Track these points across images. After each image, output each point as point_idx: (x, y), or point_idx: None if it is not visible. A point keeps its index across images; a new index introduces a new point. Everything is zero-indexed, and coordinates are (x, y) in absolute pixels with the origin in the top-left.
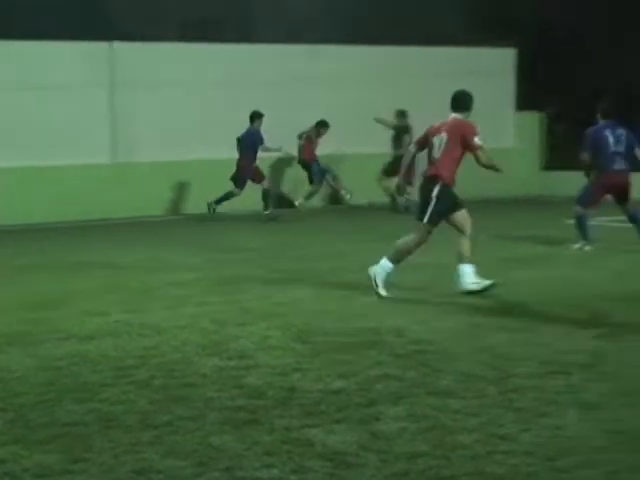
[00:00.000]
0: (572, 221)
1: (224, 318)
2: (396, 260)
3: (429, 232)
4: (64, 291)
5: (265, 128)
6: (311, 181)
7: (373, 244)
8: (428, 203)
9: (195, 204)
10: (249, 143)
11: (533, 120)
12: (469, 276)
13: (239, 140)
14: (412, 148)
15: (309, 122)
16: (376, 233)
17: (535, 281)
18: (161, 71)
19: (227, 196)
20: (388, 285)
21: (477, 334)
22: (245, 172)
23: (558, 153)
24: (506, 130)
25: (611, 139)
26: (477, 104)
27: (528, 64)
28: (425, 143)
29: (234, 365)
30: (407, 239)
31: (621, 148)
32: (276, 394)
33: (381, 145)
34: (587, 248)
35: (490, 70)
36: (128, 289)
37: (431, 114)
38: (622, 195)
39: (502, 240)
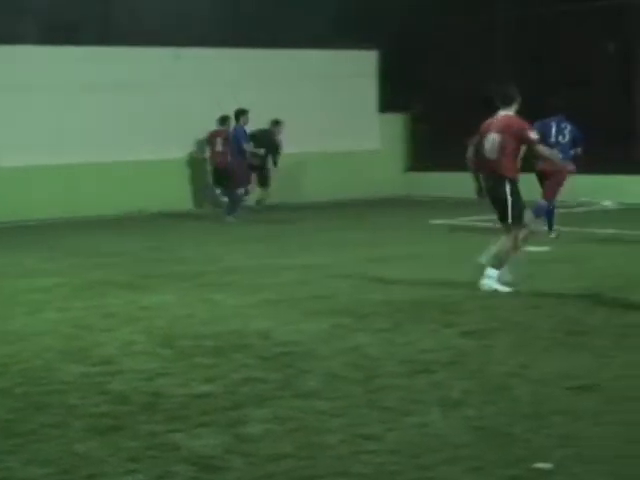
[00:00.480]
0: (439, 221)
1: (88, 323)
2: (500, 265)
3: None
4: None
5: (134, 131)
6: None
7: (242, 245)
8: (504, 204)
9: (63, 208)
10: (234, 142)
11: (397, 122)
12: (496, 285)
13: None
14: (470, 153)
15: (172, 124)
16: (242, 235)
17: (401, 281)
18: (18, 74)
19: (235, 202)
20: (506, 283)
21: (343, 335)
22: (240, 174)
23: (422, 154)
24: (370, 132)
25: (554, 131)
26: (340, 106)
27: (391, 65)
28: (480, 144)
29: (98, 371)
30: (502, 242)
31: (563, 140)
32: (141, 399)
33: None
34: (553, 236)
35: (353, 72)
36: None
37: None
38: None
39: (368, 240)
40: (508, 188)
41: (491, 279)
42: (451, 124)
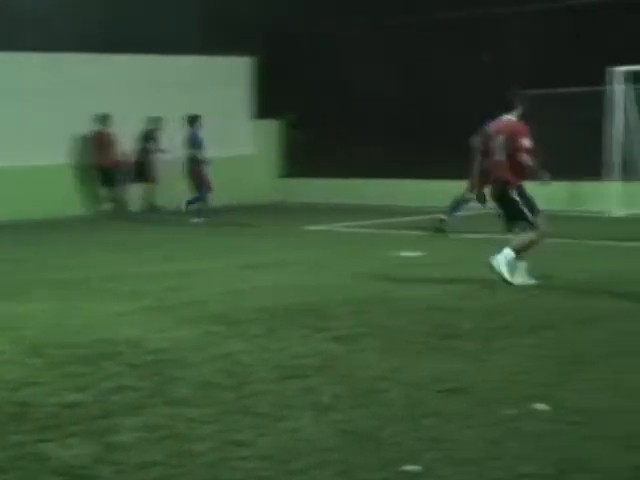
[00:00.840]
0: (313, 227)
1: None
2: (518, 250)
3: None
4: None
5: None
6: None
7: (115, 255)
8: (516, 206)
9: None
10: (191, 146)
11: (271, 128)
12: (504, 266)
13: None
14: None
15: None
16: (120, 244)
17: (273, 287)
18: None
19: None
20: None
21: (214, 342)
22: (199, 176)
23: (297, 160)
24: (244, 138)
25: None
26: (213, 113)
27: (265, 72)
28: (487, 150)
29: None
30: (527, 234)
31: None
32: (9, 409)
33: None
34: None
35: (226, 79)
36: None
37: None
38: None
39: (242, 247)
40: (515, 193)
41: (504, 259)
42: (325, 131)
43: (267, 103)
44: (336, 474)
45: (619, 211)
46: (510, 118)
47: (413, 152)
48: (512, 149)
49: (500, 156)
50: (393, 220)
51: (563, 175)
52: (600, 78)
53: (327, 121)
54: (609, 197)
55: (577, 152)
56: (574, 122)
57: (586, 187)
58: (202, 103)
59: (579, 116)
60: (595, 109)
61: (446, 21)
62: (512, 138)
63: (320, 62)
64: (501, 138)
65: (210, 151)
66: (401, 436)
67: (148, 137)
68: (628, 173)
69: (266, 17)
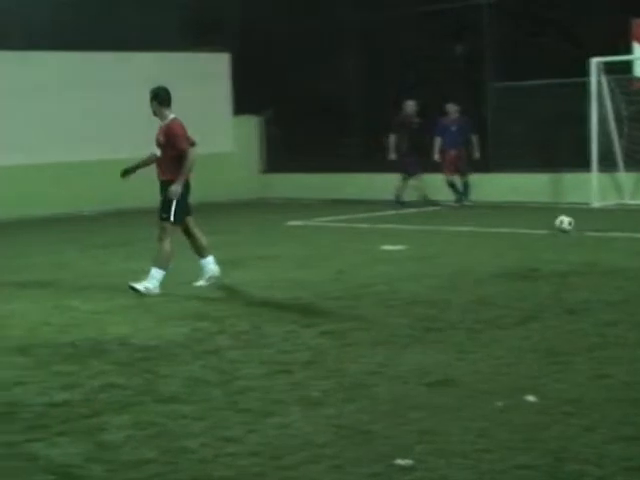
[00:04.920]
0: (295, 222)
1: None
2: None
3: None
4: None
5: None
6: None
7: (90, 253)
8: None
9: None
10: None
11: (250, 124)
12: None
13: None
14: None
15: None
16: (98, 241)
17: (258, 283)
18: None
19: None
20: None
21: (201, 338)
22: None
23: (275, 156)
24: (224, 134)
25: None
26: (193, 109)
27: (244, 68)
28: None
29: None
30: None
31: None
32: None
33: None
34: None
35: (204, 75)
36: None
37: (142, 120)
38: None
39: (226, 243)
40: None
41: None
42: (303, 126)
43: (246, 99)
44: (329, 469)
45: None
46: None
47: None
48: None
49: None
50: (374, 214)
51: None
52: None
53: (305, 116)
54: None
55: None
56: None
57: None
58: (181, 99)
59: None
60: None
61: (424, 12)
62: None
63: (297, 57)
64: None
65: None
66: (391, 430)
67: None
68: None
69: (242, 12)
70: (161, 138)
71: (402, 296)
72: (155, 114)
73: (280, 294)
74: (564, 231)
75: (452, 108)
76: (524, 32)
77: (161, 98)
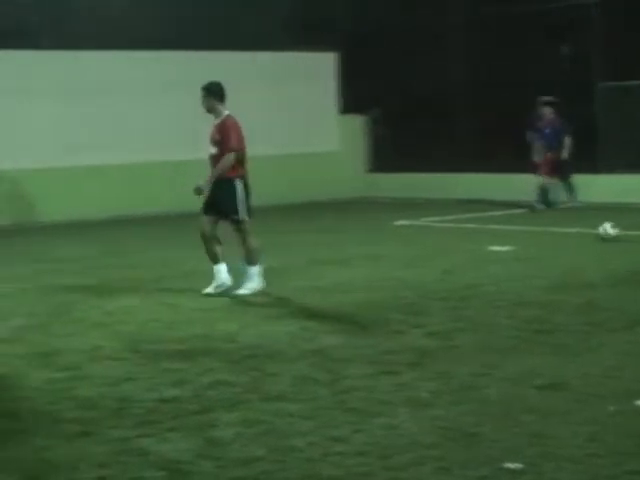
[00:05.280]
0: (402, 222)
1: (53, 329)
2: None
3: None
4: None
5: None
6: None
7: (194, 251)
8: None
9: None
10: None
11: (356, 123)
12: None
13: None
14: None
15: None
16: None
17: (364, 282)
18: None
19: None
20: None
21: (308, 337)
22: None
23: (382, 155)
24: (330, 133)
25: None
26: (300, 108)
27: (351, 67)
28: None
29: (65, 377)
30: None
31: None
32: (109, 405)
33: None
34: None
35: (312, 74)
36: None
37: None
38: None
39: (331, 242)
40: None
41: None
42: (410, 125)
43: (353, 98)
44: (435, 470)
45: None
46: None
47: (500, 145)
48: None
49: None
50: (482, 214)
51: None
52: None
53: (412, 115)
54: None
55: None
56: None
57: None
58: (289, 99)
59: None
60: None
61: (525, 13)
62: None
63: (405, 56)
64: None
65: (296, 147)
66: (500, 432)
67: None
68: None
69: (351, 13)
70: (217, 136)
71: (509, 297)
72: (209, 111)
73: (387, 293)
74: (609, 238)
75: (547, 110)
76: (631, 30)
77: (216, 93)
